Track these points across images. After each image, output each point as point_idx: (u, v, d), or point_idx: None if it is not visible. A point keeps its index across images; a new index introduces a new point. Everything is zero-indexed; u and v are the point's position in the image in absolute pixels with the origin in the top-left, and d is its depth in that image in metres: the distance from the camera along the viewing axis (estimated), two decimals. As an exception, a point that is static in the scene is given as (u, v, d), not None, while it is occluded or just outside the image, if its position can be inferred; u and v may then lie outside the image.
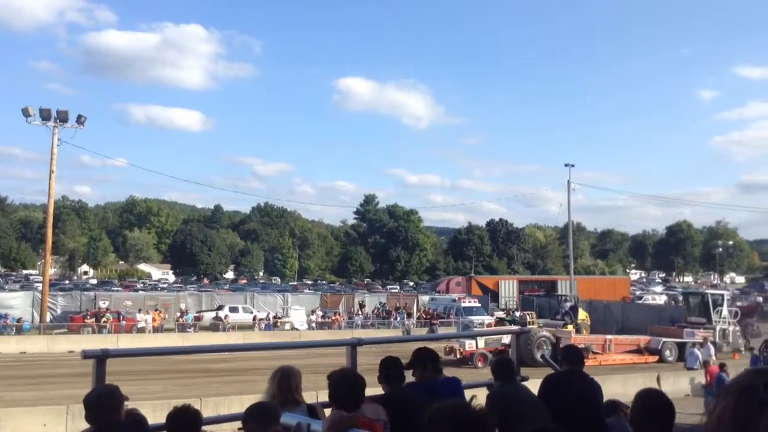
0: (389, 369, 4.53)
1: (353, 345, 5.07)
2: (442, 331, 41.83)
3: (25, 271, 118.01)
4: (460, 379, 4.98)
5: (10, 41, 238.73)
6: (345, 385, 3.88)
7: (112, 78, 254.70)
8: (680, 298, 52.54)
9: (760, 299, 59.40)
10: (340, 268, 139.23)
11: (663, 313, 41.73)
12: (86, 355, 3.85)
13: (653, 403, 3.49)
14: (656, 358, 30.10)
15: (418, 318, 46.94)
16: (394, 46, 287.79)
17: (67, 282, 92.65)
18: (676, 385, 21.85)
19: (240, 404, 15.59)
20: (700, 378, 20.88)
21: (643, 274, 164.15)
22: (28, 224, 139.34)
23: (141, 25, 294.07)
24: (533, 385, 5.55)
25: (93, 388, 3.81)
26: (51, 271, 63.09)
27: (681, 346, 30.09)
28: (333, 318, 44.88)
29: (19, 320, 38.08)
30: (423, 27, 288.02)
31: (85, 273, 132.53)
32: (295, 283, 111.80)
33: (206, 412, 14.88)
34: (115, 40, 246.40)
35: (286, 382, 4.22)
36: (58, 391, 20.28)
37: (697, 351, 24.79)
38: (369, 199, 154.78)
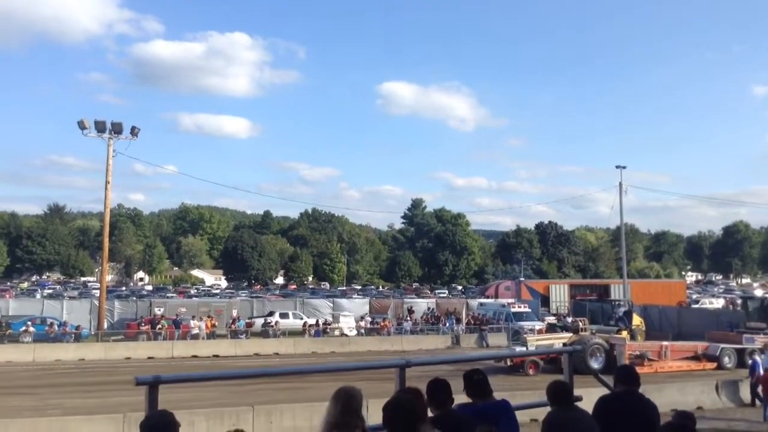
0: (436, 392, 4.48)
1: (401, 367, 5.01)
2: (491, 336, 41.49)
3: (83, 279, 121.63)
4: (509, 402, 4.91)
5: (62, 54, 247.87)
6: (396, 415, 3.84)
7: (161, 87, 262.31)
8: (738, 301, 50.93)
9: None
10: (388, 272, 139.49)
11: (721, 317, 40.48)
12: (138, 381, 3.91)
13: None
14: (714, 364, 29.18)
15: (467, 323, 46.60)
16: (435, 49, 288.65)
17: (123, 289, 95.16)
18: (736, 393, 21.18)
19: (291, 413, 15.79)
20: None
21: (699, 277, 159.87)
22: (85, 232, 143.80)
23: (187, 34, 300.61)
24: (587, 401, 5.43)
25: (147, 414, 3.85)
26: (108, 278, 64.84)
27: (740, 353, 29.14)
28: (382, 324, 44.90)
29: (77, 327, 39.18)
30: (464, 30, 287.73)
31: (141, 280, 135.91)
32: (344, 288, 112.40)
33: (258, 422, 15.05)
34: (162, 50, 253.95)
35: (348, 405, 4.09)
36: (116, 398, 20.73)
37: (757, 358, 23.84)
38: (416, 204, 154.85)
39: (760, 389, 18.97)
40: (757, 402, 20.56)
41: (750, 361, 22.36)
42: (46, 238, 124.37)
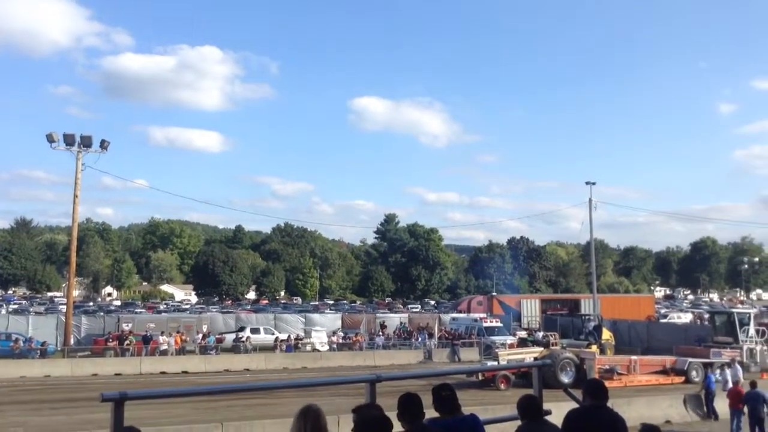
0: (407, 406, 4.48)
1: (372, 382, 4.99)
2: (464, 351, 41.54)
3: (49, 294, 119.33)
4: (477, 416, 4.92)
5: (30, 67, 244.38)
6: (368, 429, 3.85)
7: (131, 101, 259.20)
8: (706, 316, 51.74)
9: None
10: (360, 287, 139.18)
11: (689, 332, 41.08)
12: (104, 398, 3.83)
13: None
14: (682, 379, 29.53)
15: (439, 338, 46.64)
16: (408, 65, 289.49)
17: (91, 304, 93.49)
18: (704, 407, 21.44)
19: (261, 429, 15.62)
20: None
21: (668, 292, 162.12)
22: (52, 246, 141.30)
23: (157, 48, 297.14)
24: (557, 414, 5.46)
25: (113, 432, 3.78)
26: (75, 293, 63.71)
27: (708, 367, 29.56)
28: (354, 339, 44.76)
29: (43, 344, 38.41)
30: (437, 45, 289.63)
31: (109, 295, 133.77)
32: (316, 303, 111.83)
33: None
34: (132, 64, 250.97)
35: (317, 423, 4.10)
36: (81, 415, 20.38)
37: (711, 373, 23.96)
38: (389, 219, 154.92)
39: (728, 403, 19.16)
40: (713, 415, 20.96)
41: (714, 376, 22.76)
42: (13, 252, 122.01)
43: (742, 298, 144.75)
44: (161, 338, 39.47)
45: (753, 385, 17.83)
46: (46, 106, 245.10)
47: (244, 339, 42.39)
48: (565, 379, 27.05)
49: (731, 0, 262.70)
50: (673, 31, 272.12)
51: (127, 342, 38.69)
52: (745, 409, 17.46)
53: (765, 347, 33.49)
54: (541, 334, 43.20)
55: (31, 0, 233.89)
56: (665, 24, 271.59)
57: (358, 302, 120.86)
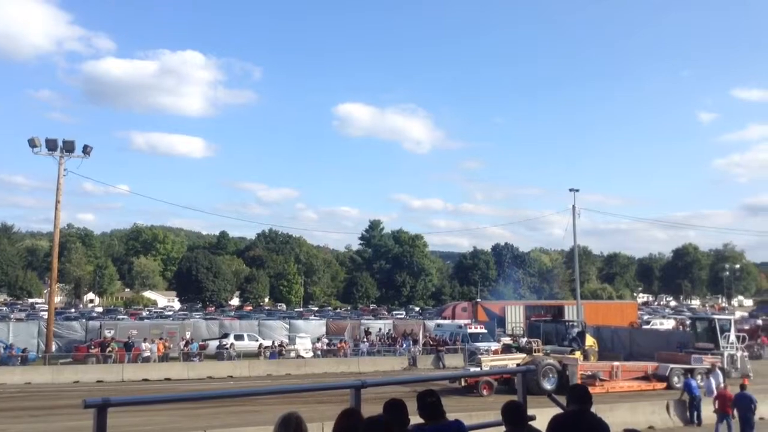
0: (392, 413, 4.48)
1: (357, 388, 4.98)
2: (448, 358, 41.55)
3: (30, 300, 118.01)
4: (462, 422, 4.93)
5: (10, 71, 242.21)
6: None
7: (113, 106, 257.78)
8: (687, 322, 52.13)
9: (760, 322, 58.83)
10: (345, 293, 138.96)
11: (671, 338, 41.36)
12: (87, 404, 3.80)
13: None
14: (664, 384, 29.75)
15: (424, 344, 46.63)
16: (392, 71, 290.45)
17: (72, 310, 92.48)
18: (686, 413, 21.60)
19: (245, 437, 15.49)
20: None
21: (650, 298, 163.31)
22: (34, 252, 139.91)
23: (139, 52, 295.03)
24: (541, 420, 5.49)
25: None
26: (57, 300, 63.03)
27: (688, 373, 29.78)
28: (338, 345, 44.62)
29: (24, 350, 37.96)
30: (421, 52, 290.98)
31: (91, 301, 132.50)
32: (301, 309, 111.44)
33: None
34: (114, 68, 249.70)
35: (299, 430, 4.09)
36: (61, 423, 20.18)
37: (692, 381, 24.04)
38: (374, 225, 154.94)
39: (713, 408, 19.24)
40: (696, 421, 21.11)
41: (694, 382, 22.85)
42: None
43: (723, 304, 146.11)
44: (144, 345, 39.12)
45: (742, 387, 18.00)
46: (26, 111, 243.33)
47: (227, 346, 42.15)
48: (548, 385, 27.14)
49: (714, 10, 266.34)
50: (657, 40, 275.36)
51: (109, 349, 38.31)
52: (735, 413, 17.62)
53: (745, 353, 33.83)
54: (524, 340, 43.29)
55: (12, 3, 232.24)
56: (649, 32, 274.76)
57: (343, 309, 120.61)
